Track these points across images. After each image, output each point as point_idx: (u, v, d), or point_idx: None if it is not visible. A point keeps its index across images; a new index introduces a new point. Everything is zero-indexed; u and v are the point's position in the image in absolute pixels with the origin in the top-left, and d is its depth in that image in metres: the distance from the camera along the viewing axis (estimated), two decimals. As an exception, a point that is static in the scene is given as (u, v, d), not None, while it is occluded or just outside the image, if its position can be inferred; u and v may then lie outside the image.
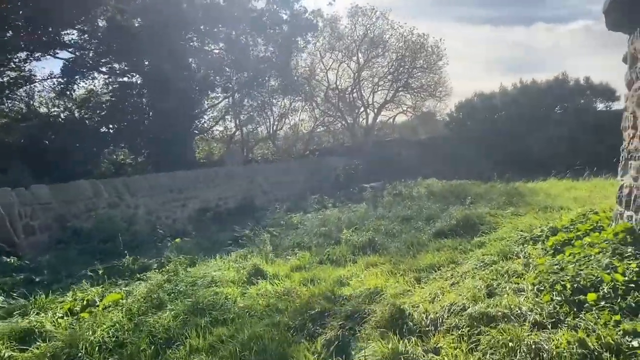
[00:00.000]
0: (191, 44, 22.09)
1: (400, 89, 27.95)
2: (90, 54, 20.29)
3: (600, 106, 19.30)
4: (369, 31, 26.48)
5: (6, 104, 19.79)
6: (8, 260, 8.44)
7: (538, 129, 19.89)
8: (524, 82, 21.28)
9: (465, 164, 22.01)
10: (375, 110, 28.54)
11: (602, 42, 60.63)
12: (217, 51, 23.01)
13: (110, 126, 21.36)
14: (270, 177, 19.53)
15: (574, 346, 3.46)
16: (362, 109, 28.50)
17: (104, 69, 20.96)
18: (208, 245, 10.76)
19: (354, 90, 28.27)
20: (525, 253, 6.25)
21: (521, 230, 7.73)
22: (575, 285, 4.32)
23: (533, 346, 3.57)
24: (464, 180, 19.50)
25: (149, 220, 13.66)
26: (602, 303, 3.98)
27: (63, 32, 19.18)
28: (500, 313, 4.16)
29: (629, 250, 4.77)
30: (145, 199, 13.87)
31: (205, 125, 26.81)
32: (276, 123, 29.35)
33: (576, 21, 64.16)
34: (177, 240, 11.82)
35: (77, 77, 19.97)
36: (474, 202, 12.51)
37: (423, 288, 5.50)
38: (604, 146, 17.87)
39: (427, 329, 4.39)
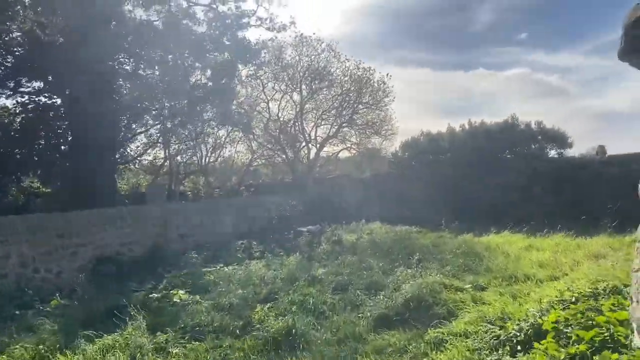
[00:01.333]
0: (123, 66, 19.78)
1: (344, 125, 26.29)
2: (1, 69, 17.41)
3: (552, 153, 18.20)
4: (313, 62, 24.86)
5: None
6: None
7: (487, 174, 18.56)
8: (473, 123, 20.07)
9: (410, 207, 20.53)
10: (318, 145, 26.69)
11: (540, 90, 62.81)
12: (152, 76, 20.61)
13: (20, 151, 18.33)
14: (193, 217, 16.90)
15: None
16: (303, 143, 26.56)
17: (18, 87, 18.11)
18: (83, 317, 8.05)
19: (297, 123, 26.36)
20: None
21: (490, 322, 5.72)
22: None
23: None
24: (409, 225, 17.95)
25: (22, 274, 10.77)
26: None
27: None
28: None
29: None
30: (21, 245, 10.98)
31: (133, 154, 24.15)
32: (209, 155, 26.93)
33: (514, 69, 65.53)
34: (54, 302, 9.24)
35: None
36: (423, 261, 10.66)
37: None
38: (558, 198, 16.82)
39: None
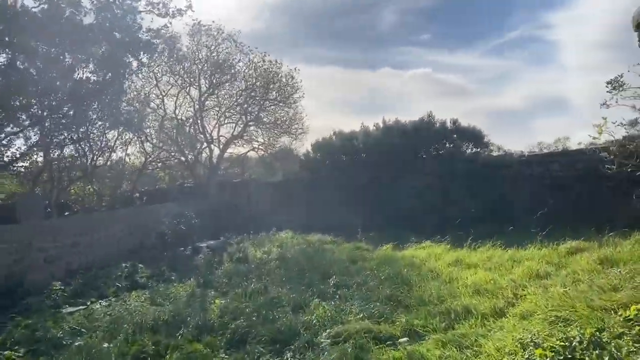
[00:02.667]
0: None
1: (250, 123, 23.97)
2: None
3: (469, 152, 17.31)
4: (213, 54, 22.24)
5: None
6: None
7: (405, 176, 17.33)
8: (387, 122, 18.76)
9: (325, 212, 18.95)
10: (221, 145, 24.14)
11: (442, 89, 64.81)
12: (29, 70, 17.07)
13: None
14: (68, 235, 13.89)
15: None
16: (205, 144, 23.89)
17: None
18: None
19: (197, 122, 23.63)
20: None
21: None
22: None
23: None
24: (324, 233, 16.29)
25: None
26: None
27: None
28: None
29: None
30: None
31: (7, 159, 20.11)
32: (96, 158, 23.33)
33: (418, 68, 68.56)
34: None
35: None
36: (340, 287, 8.88)
37: None
38: (479, 200, 15.90)
39: None
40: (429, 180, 16.77)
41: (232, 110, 23.75)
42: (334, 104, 59.00)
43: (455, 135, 17.91)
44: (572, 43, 65.14)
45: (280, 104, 23.46)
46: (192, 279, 11.30)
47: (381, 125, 18.81)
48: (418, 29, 67.15)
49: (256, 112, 23.60)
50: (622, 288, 6.71)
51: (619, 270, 7.77)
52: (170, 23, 20.88)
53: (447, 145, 17.92)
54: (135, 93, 22.53)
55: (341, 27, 66.45)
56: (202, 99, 23.22)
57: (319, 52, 67.04)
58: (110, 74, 19.79)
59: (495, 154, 17.07)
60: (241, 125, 23.89)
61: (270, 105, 23.55)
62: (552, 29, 63.49)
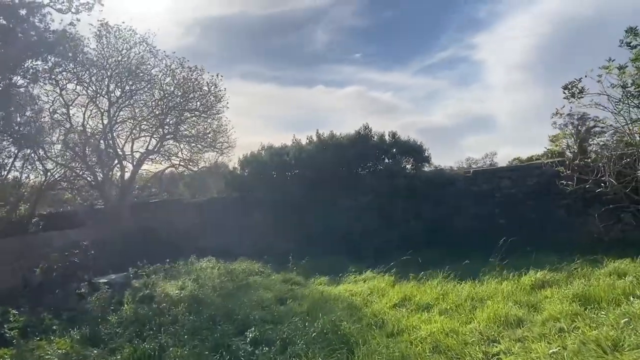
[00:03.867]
0: None
1: (168, 136, 21.30)
2: None
3: (410, 168, 15.80)
4: (124, 58, 19.54)
5: None
6: None
7: (341, 194, 15.54)
8: (321, 135, 16.93)
9: (255, 234, 17.19)
10: (135, 162, 21.28)
11: (376, 107, 65.46)
12: None
13: None
14: None
15: None
16: (116, 160, 20.95)
17: None
18: None
19: (108, 135, 20.70)
20: None
21: None
22: None
23: None
24: (252, 260, 14.47)
25: None
26: None
27: None
28: None
29: None
30: None
31: None
32: (-16, 178, 19.84)
33: (351, 86, 69.47)
34: None
35: None
36: (259, 344, 6.87)
37: None
38: (421, 221, 14.32)
39: None
40: (367, 199, 15.03)
41: (147, 123, 21.00)
42: (271, 122, 59.78)
43: (394, 150, 16.37)
44: (495, 63, 67.27)
45: (203, 114, 21.00)
46: (75, 330, 8.84)
47: (315, 139, 16.93)
48: (350, 49, 67.87)
49: (175, 124, 21.01)
50: (625, 343, 5.10)
51: (604, 313, 6.25)
52: (78, 20, 18.10)
53: (387, 160, 16.34)
54: (35, 104, 19.42)
55: (277, 45, 66.12)
56: (113, 109, 20.36)
57: (255, 69, 66.47)
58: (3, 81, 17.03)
59: (432, 169, 15.71)
60: (157, 139, 21.18)
61: (191, 117, 21.05)
62: (477, 49, 65.57)
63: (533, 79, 63.92)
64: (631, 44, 10.39)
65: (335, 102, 64.36)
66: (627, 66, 9.59)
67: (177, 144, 21.78)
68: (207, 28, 61.43)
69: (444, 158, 68.44)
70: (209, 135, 21.53)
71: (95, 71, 19.70)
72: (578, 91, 10.07)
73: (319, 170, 16.00)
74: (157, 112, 20.56)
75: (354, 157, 16.18)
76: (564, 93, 9.98)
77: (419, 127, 66.04)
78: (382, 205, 14.60)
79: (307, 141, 17.05)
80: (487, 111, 67.09)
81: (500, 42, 64.33)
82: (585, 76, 9.72)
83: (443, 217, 13.66)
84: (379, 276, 10.81)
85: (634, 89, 9.95)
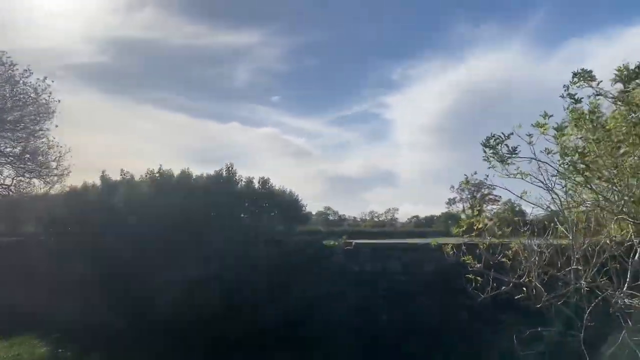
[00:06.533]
0: None
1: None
2: None
3: (280, 229, 12.05)
4: None
5: None
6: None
7: (180, 257, 11.36)
8: (164, 172, 12.74)
9: (67, 297, 12.44)
10: None
11: (289, 150, 68.83)
12: None
13: None
14: None
15: None
16: None
17: None
18: None
19: None
20: None
21: None
22: None
23: None
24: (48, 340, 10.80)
25: None
26: None
27: None
28: None
29: None
30: None
31: None
32: None
33: (267, 127, 70.62)
34: None
35: None
36: None
37: None
38: (281, 304, 10.49)
39: None
40: (216, 267, 10.98)
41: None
42: (178, 150, 58.43)
43: (265, 203, 12.64)
44: (404, 124, 70.99)
45: (23, 130, 15.70)
46: None
47: (157, 175, 12.63)
48: (270, 90, 69.59)
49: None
50: None
51: None
52: None
53: (252, 211, 12.55)
54: None
55: (195, 76, 65.88)
56: None
57: (169, 96, 65.16)
58: None
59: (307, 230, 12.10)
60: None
61: (5, 132, 15.61)
62: (389, 108, 70.40)
63: (438, 142, 67.83)
64: (575, 97, 7.11)
65: (249, 139, 65.86)
66: (566, 126, 6.53)
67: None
68: (124, 49, 59.49)
69: (349, 208, 70.31)
70: (34, 160, 16.09)
71: None
72: (508, 151, 6.56)
73: (158, 219, 11.76)
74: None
75: (209, 205, 12.18)
76: (484, 152, 6.52)
77: (329, 175, 67.97)
78: (233, 279, 10.59)
79: (146, 176, 12.69)
80: (393, 167, 70.91)
81: (410, 104, 68.60)
82: (512, 133, 6.51)
83: (310, 304, 9.93)
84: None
85: (577, 158, 6.70)
